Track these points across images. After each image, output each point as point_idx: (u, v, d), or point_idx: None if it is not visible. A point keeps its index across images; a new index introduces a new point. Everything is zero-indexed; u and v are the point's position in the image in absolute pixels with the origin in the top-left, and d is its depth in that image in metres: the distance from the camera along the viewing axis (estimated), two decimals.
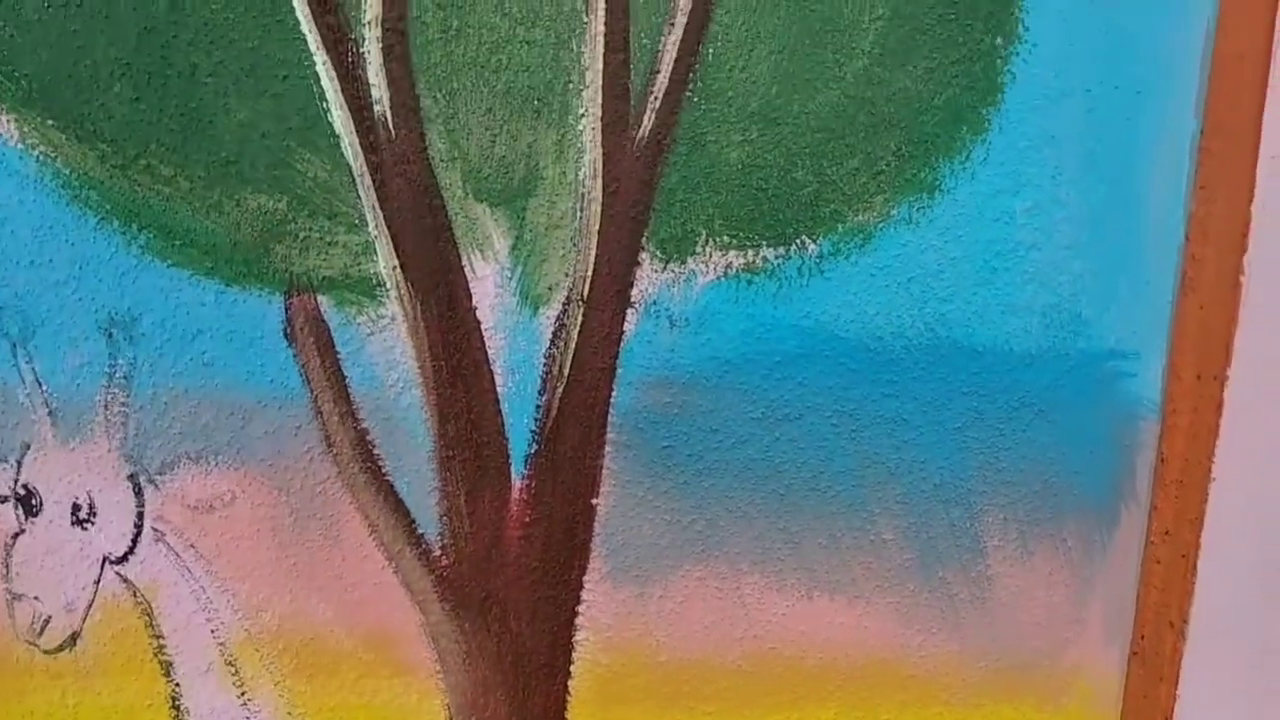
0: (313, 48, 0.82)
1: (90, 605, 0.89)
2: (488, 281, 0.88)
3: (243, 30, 0.81)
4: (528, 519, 0.92)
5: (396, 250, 0.86)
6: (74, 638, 0.90)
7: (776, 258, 0.90)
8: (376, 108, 0.83)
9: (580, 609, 0.94)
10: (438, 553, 0.91)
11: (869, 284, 0.92)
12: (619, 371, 0.90)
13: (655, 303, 0.90)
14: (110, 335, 0.85)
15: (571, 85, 0.85)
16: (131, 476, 0.87)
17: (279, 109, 0.82)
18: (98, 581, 0.89)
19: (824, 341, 0.92)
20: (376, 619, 0.92)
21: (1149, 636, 1.01)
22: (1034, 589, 1.00)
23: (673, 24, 0.85)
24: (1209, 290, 0.95)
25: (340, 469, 0.89)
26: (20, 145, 0.81)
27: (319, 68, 0.82)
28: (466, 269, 0.87)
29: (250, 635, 0.91)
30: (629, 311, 0.89)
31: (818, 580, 0.97)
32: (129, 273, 0.84)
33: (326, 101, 0.83)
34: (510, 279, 0.88)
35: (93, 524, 0.88)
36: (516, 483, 0.91)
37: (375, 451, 0.89)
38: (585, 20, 0.84)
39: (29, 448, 0.86)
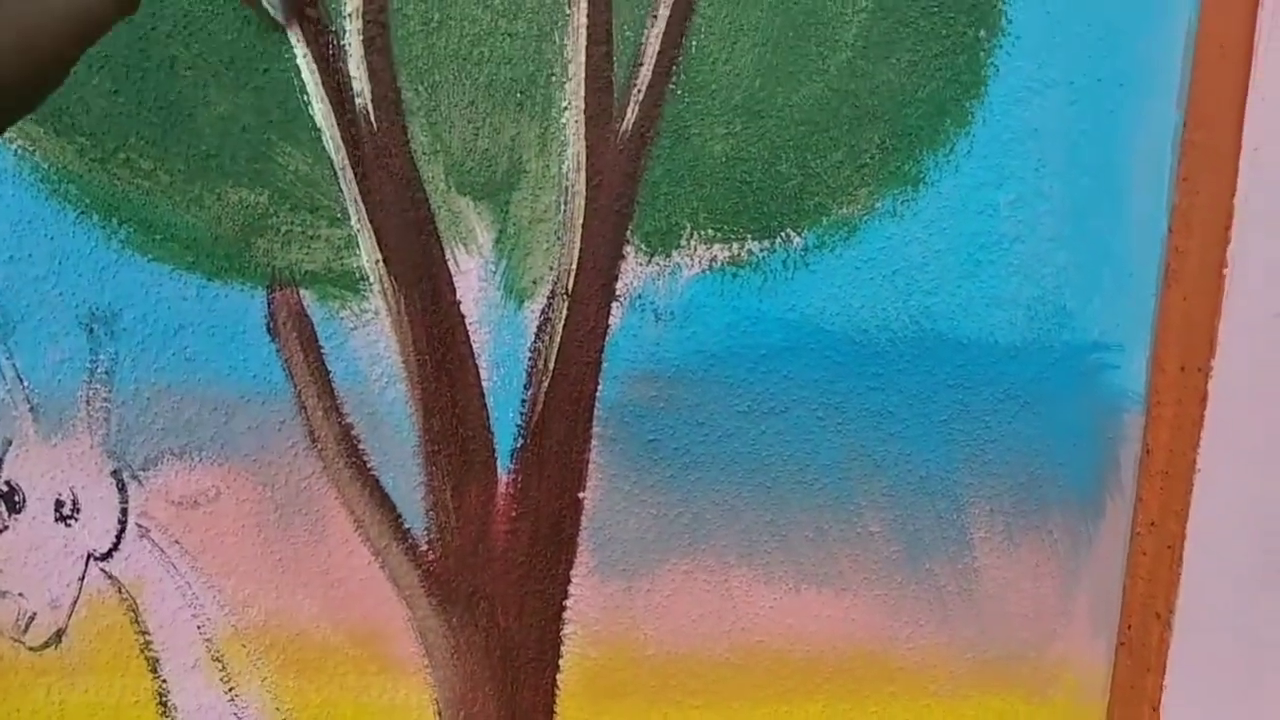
0: (293, 40, 0.81)
1: (75, 602, 0.89)
2: (472, 275, 0.88)
3: (222, 22, 0.81)
4: (514, 513, 0.91)
5: (379, 244, 0.86)
6: (59, 634, 0.89)
7: (761, 251, 0.90)
8: (358, 100, 0.83)
9: (568, 603, 0.94)
10: (424, 547, 0.91)
11: (854, 277, 0.92)
12: (604, 365, 0.90)
13: (640, 296, 0.89)
14: (91, 330, 0.84)
15: (554, 78, 0.85)
16: (115, 472, 0.87)
17: (259, 102, 0.82)
18: (82, 578, 0.89)
19: (809, 335, 0.92)
20: (363, 614, 0.92)
21: (1135, 627, 1.01)
22: (1020, 581, 1.00)
23: (655, 16, 0.85)
24: (1192, 282, 0.95)
25: (325, 464, 0.89)
26: None
27: (299, 60, 0.82)
28: (450, 263, 0.87)
29: (237, 631, 0.91)
30: (614, 305, 0.89)
31: (805, 573, 0.97)
32: (109, 267, 0.83)
33: (307, 94, 0.83)
34: (494, 273, 0.88)
35: (76, 520, 0.88)
36: (503, 477, 0.91)
37: (360, 446, 0.89)
38: (568, 13, 0.84)
39: (10, 444, 0.86)
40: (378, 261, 0.86)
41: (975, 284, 0.93)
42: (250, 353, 0.86)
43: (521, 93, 0.85)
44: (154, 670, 0.91)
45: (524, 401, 0.90)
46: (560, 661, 0.95)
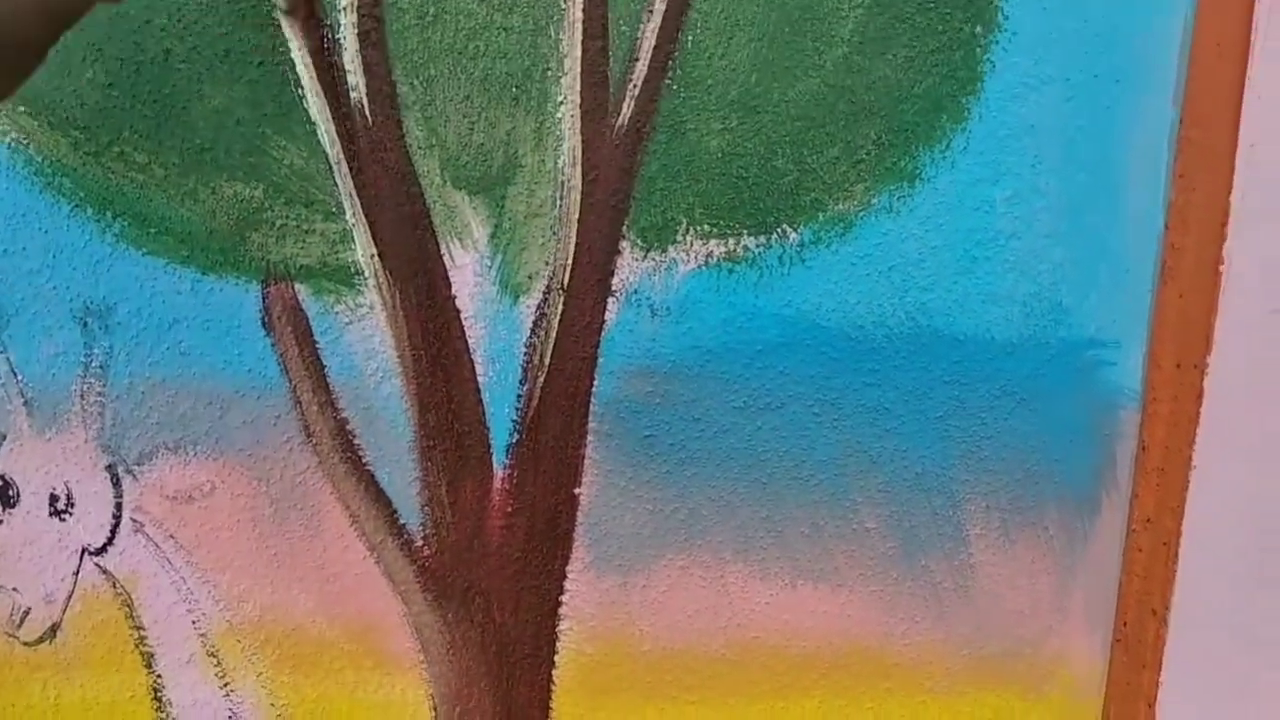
0: (288, 34, 0.81)
1: (70, 597, 0.89)
2: (467, 270, 0.87)
3: (216, 15, 0.80)
4: (510, 509, 0.91)
5: (374, 238, 0.86)
6: (54, 629, 0.89)
7: (757, 246, 0.90)
8: (353, 94, 0.83)
9: (563, 599, 0.94)
10: (420, 543, 0.91)
11: (850, 273, 0.92)
12: (600, 361, 0.90)
13: (636, 291, 0.89)
14: (85, 324, 0.84)
15: (550, 72, 0.85)
16: (109, 467, 0.87)
17: (254, 95, 0.82)
18: (77, 573, 0.89)
19: (805, 330, 0.92)
20: (359, 610, 0.92)
21: (1131, 624, 1.01)
22: (1017, 577, 1.00)
23: (651, 11, 0.85)
24: (1189, 279, 0.95)
25: (320, 459, 0.89)
26: None
27: (294, 54, 0.82)
28: (445, 257, 0.87)
29: (232, 626, 0.91)
30: (610, 300, 0.89)
31: (801, 569, 0.97)
32: (103, 261, 0.83)
33: (302, 88, 0.82)
34: (490, 267, 0.88)
35: (71, 515, 0.87)
36: (498, 472, 0.91)
37: (355, 441, 0.89)
38: (563, 7, 0.84)
39: (4, 438, 0.86)
40: (373, 256, 0.86)
41: (971, 280, 0.93)
42: (245, 347, 0.86)
43: (517, 87, 0.85)
44: (149, 665, 0.91)
45: (519, 397, 0.90)
46: (556, 657, 0.95)
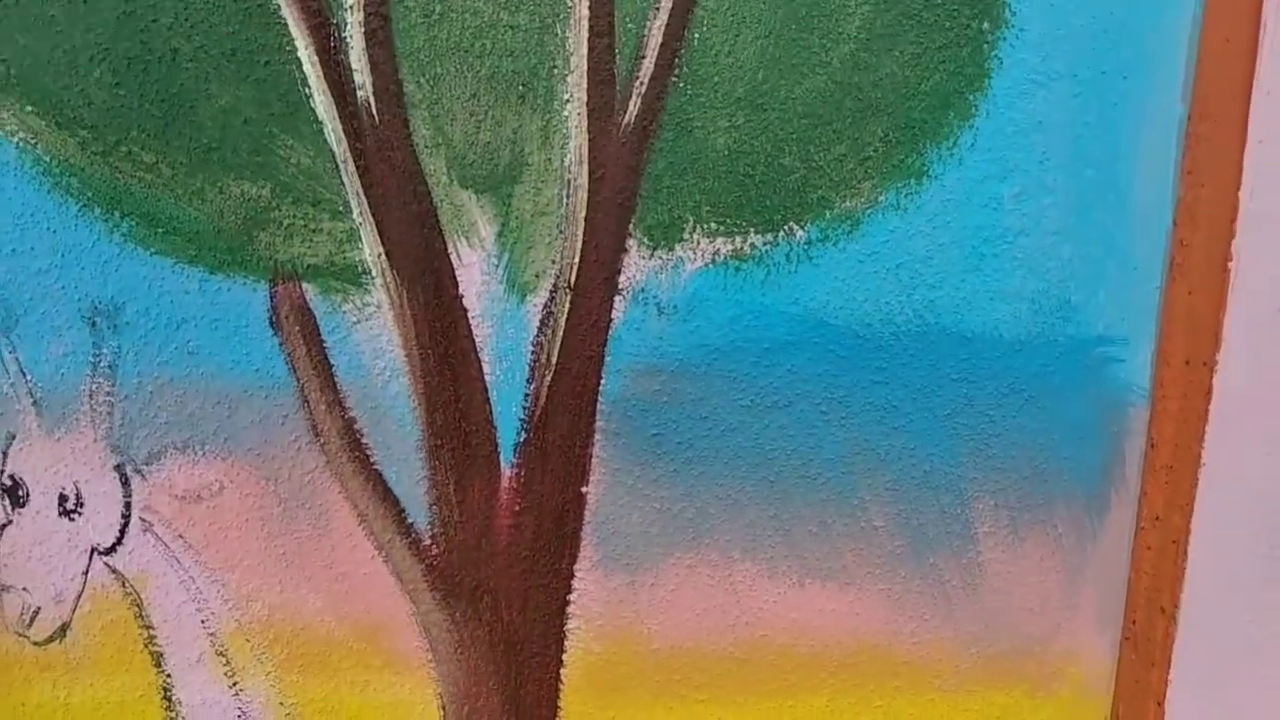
0: (294, 32, 0.81)
1: (79, 596, 0.89)
2: (474, 269, 0.88)
3: (223, 15, 0.81)
4: (517, 507, 0.92)
5: (381, 237, 0.86)
6: (64, 629, 0.90)
7: (764, 244, 0.90)
8: (359, 93, 0.83)
9: (571, 597, 0.94)
10: (428, 542, 0.91)
11: (857, 271, 0.91)
12: (607, 359, 0.90)
13: (643, 290, 0.89)
14: (94, 324, 0.85)
15: (556, 70, 0.85)
16: (118, 466, 0.87)
17: (261, 94, 0.82)
18: (86, 572, 0.89)
19: (813, 328, 0.92)
20: (367, 608, 0.92)
21: (1140, 622, 1.01)
22: (1025, 575, 1.00)
23: (658, 9, 0.84)
24: (1197, 276, 0.95)
25: (328, 458, 0.89)
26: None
27: (301, 53, 0.82)
28: (452, 256, 0.87)
29: (240, 625, 0.91)
30: (617, 299, 0.89)
31: (809, 567, 0.96)
32: (111, 261, 0.84)
33: (309, 87, 0.82)
34: (497, 266, 0.88)
35: (80, 514, 0.88)
36: (506, 471, 0.91)
37: (363, 440, 0.89)
38: (569, 5, 0.83)
39: (14, 438, 0.86)
40: (380, 255, 0.86)
41: (979, 278, 0.93)
42: (253, 346, 0.86)
43: (523, 85, 0.85)
44: (158, 665, 0.91)
45: (527, 396, 0.90)
46: (564, 656, 0.95)
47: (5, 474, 0.87)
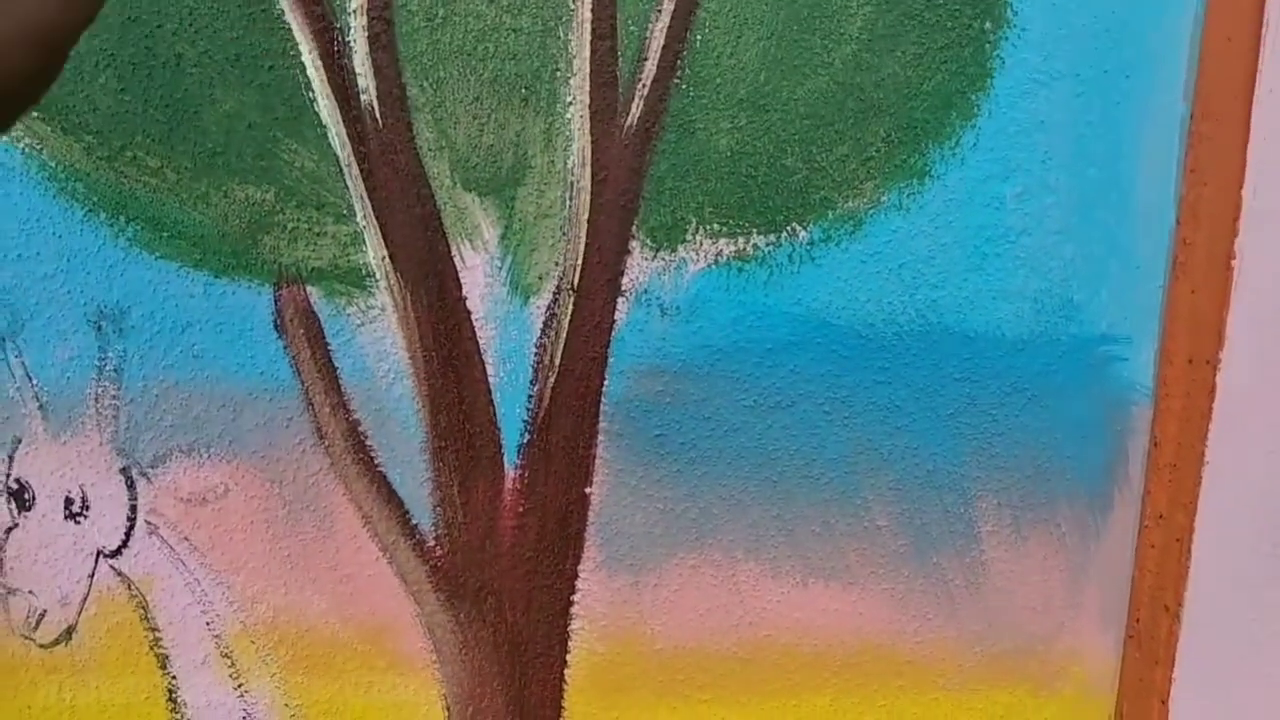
0: (298, 36, 0.81)
1: (85, 599, 0.89)
2: (477, 271, 0.88)
3: (227, 20, 0.81)
4: (521, 509, 0.92)
5: (385, 240, 0.86)
6: (69, 631, 0.90)
7: (767, 245, 0.90)
8: (363, 97, 0.83)
9: (575, 598, 0.94)
10: (432, 543, 0.91)
11: (860, 271, 0.91)
12: (610, 360, 0.90)
13: (646, 291, 0.89)
14: (99, 328, 0.85)
15: (559, 73, 0.85)
16: (124, 470, 0.87)
17: (265, 99, 0.82)
18: (92, 575, 0.89)
19: (815, 329, 0.92)
20: (371, 610, 0.92)
21: (1144, 620, 1.01)
22: (1028, 574, 1.00)
23: (660, 11, 0.84)
24: (1200, 274, 0.95)
25: (333, 460, 0.89)
26: (5, 138, 0.81)
27: (305, 57, 0.82)
28: (456, 259, 0.87)
29: (245, 627, 0.91)
30: (620, 300, 0.89)
31: (812, 567, 0.97)
32: (117, 265, 0.84)
33: (313, 91, 0.83)
34: (500, 268, 0.88)
35: (86, 517, 0.88)
36: (510, 472, 0.91)
37: (368, 443, 0.89)
38: (572, 8, 0.83)
39: (20, 442, 0.86)
40: (384, 258, 0.86)
41: (982, 277, 0.93)
42: (258, 349, 0.87)
43: (526, 88, 0.85)
44: (163, 667, 0.91)
45: (530, 397, 0.90)
46: (568, 656, 0.95)
47: (11, 477, 0.87)
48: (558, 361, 0.90)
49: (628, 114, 0.86)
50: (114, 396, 0.86)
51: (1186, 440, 0.97)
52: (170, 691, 0.92)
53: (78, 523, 0.88)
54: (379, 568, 0.91)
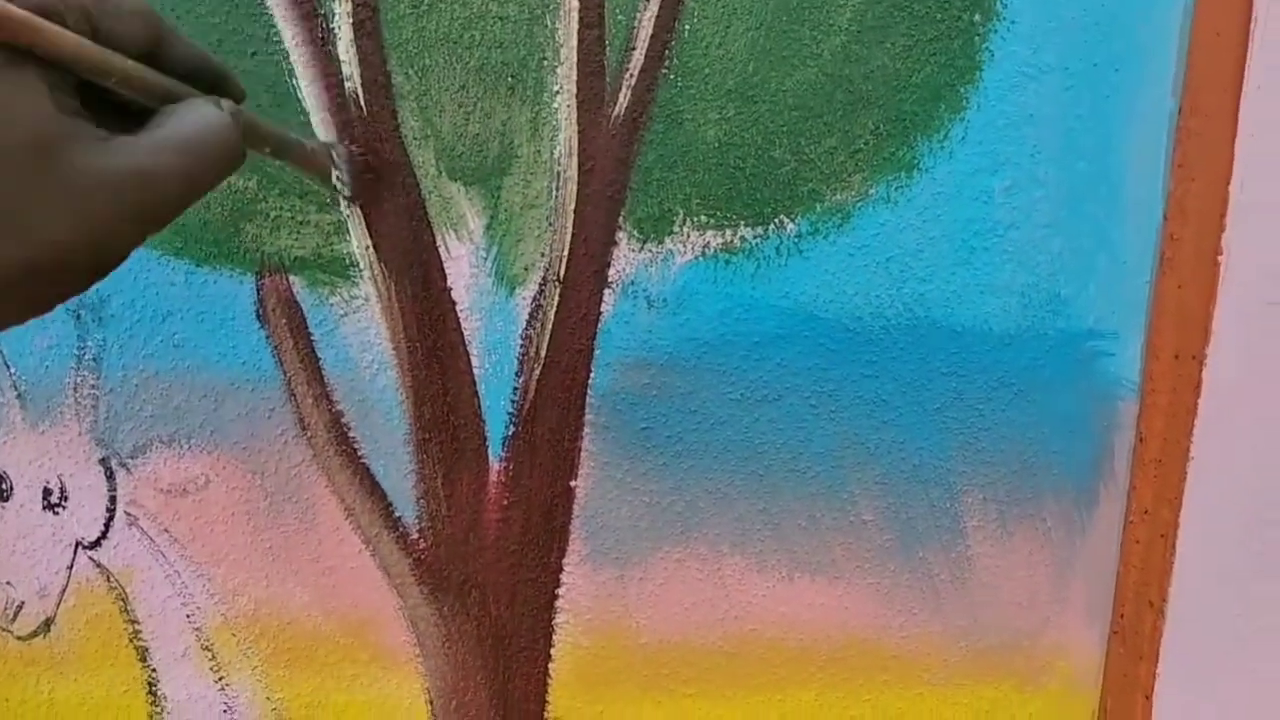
0: (281, 24, 0.81)
1: (64, 590, 0.88)
2: (462, 261, 0.87)
3: (209, 5, 0.80)
4: (506, 501, 0.91)
5: (369, 230, 0.85)
6: (48, 624, 0.89)
7: (754, 237, 0.89)
8: (347, 85, 0.82)
9: (560, 592, 0.94)
10: (415, 536, 0.91)
11: (847, 264, 0.91)
12: (596, 353, 0.90)
13: (633, 283, 0.89)
14: (78, 317, 0.84)
15: (546, 62, 0.84)
16: (103, 460, 0.87)
17: (248, 86, 0.80)
18: (71, 566, 0.88)
19: (803, 322, 0.91)
20: (354, 603, 0.92)
21: (1129, 615, 1.01)
22: (1014, 569, 1.00)
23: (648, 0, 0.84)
24: (1187, 270, 0.95)
25: (315, 452, 0.89)
26: None
27: (288, 44, 0.81)
28: (440, 249, 0.86)
29: (226, 620, 0.91)
30: (606, 292, 0.89)
31: (798, 561, 0.96)
32: None
33: (296, 78, 0.82)
34: (485, 259, 0.87)
35: (64, 508, 0.87)
36: (494, 465, 0.91)
37: (351, 434, 0.89)
38: None
39: None
40: (368, 248, 0.85)
41: (969, 271, 0.93)
42: (239, 339, 0.86)
43: (513, 77, 0.84)
44: (143, 659, 0.90)
45: (515, 389, 0.90)
46: (552, 650, 0.95)
47: None
48: (543, 353, 0.89)
49: (615, 104, 0.86)
50: (93, 386, 0.85)
51: (1172, 436, 0.97)
52: (150, 684, 0.91)
53: (56, 513, 0.87)
54: (362, 560, 0.91)
